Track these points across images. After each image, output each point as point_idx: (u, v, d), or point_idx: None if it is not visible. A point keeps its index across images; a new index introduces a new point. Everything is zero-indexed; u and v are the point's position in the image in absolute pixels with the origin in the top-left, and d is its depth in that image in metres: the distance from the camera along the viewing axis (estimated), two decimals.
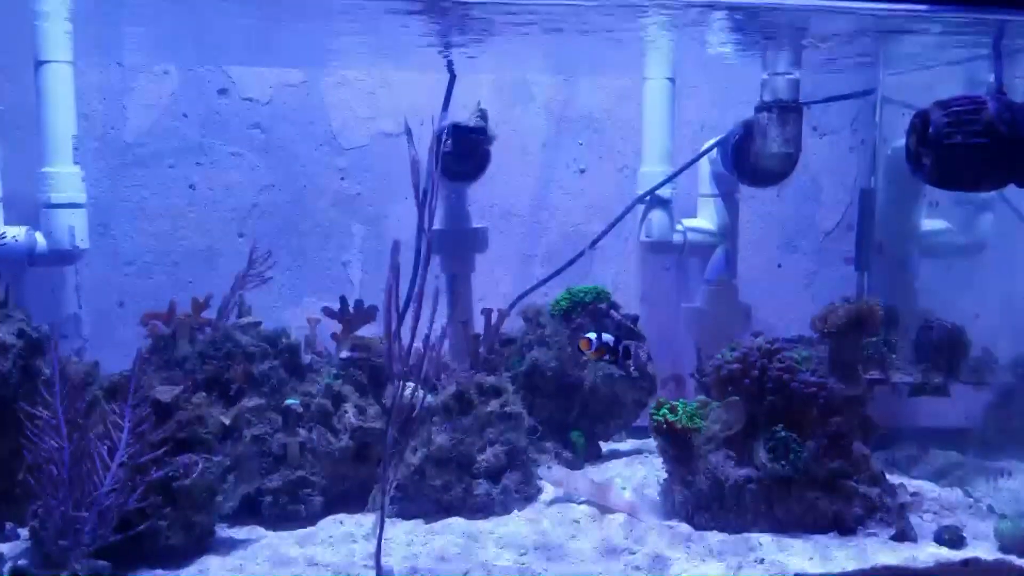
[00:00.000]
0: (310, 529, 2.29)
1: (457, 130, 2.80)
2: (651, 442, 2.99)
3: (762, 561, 2.00)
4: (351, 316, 2.84)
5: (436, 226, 3.36)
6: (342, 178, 3.69)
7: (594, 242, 3.32)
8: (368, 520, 2.35)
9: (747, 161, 2.94)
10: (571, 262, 3.31)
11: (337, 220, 3.70)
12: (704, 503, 2.20)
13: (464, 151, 2.89)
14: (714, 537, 2.14)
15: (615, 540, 2.11)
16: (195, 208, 3.59)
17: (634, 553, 2.05)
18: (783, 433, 2.13)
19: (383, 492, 1.91)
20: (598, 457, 2.77)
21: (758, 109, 2.89)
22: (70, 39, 3.04)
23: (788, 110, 2.79)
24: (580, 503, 2.32)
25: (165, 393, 2.12)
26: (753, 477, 2.15)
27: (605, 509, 2.27)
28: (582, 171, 3.74)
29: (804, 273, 3.82)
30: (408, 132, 1.91)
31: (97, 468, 1.93)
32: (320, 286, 3.68)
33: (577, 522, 2.20)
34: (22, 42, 3.10)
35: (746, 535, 2.14)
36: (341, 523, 2.33)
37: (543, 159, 3.72)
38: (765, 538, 2.12)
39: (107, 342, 3.40)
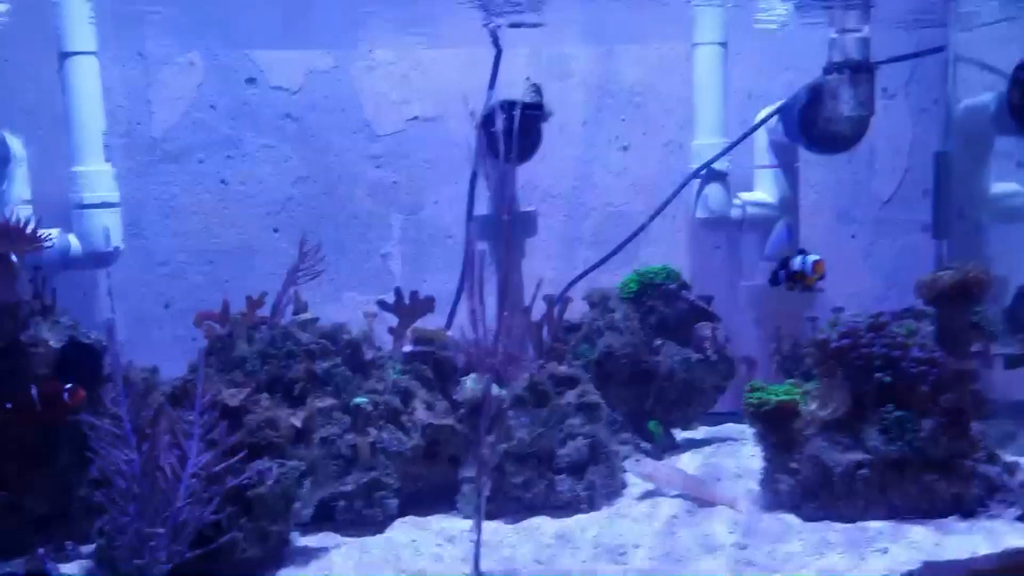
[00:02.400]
0: (388, 534, 2.16)
1: (512, 107, 2.65)
2: (726, 429, 2.88)
3: (886, 551, 1.87)
4: (408, 308, 2.70)
5: (483, 211, 3.22)
6: (377, 166, 3.56)
7: (652, 216, 3.17)
8: (445, 522, 2.23)
9: (815, 127, 2.80)
10: (630, 238, 3.17)
11: (374, 210, 3.57)
12: (811, 491, 2.06)
13: (518, 129, 2.74)
14: (827, 527, 2.01)
15: (720, 535, 1.98)
16: (228, 204, 3.46)
17: (744, 548, 1.92)
18: (898, 412, 2.00)
19: (479, 493, 1.78)
20: (674, 447, 2.62)
21: (827, 70, 2.74)
22: (94, 28, 2.89)
23: (860, 70, 2.64)
24: (673, 497, 2.18)
25: (232, 396, 1.98)
26: (864, 461, 2.02)
27: (702, 502, 2.13)
28: (625, 148, 3.60)
29: (862, 244, 3.68)
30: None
31: (169, 479, 1.79)
32: (360, 279, 3.55)
33: (675, 517, 2.07)
34: (43, 34, 2.96)
35: (861, 524, 2.01)
36: (418, 526, 2.20)
37: (584, 137, 3.58)
38: (882, 525, 1.99)
39: (144, 347, 3.27)
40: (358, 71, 3.48)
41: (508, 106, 2.72)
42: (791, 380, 2.22)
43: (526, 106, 2.59)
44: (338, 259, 3.53)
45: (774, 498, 2.14)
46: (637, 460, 2.24)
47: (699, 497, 2.15)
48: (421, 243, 3.64)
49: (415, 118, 3.55)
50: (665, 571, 1.86)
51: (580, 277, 3.17)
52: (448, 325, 3.01)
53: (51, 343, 2.07)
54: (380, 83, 3.49)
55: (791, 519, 2.07)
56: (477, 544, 1.79)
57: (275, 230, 3.51)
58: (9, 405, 1.91)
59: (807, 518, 2.07)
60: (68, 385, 1.93)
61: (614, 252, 3.18)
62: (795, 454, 2.09)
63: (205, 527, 1.85)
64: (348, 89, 3.48)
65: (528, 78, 2.92)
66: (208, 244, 3.45)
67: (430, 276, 3.50)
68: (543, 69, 3.46)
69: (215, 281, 3.47)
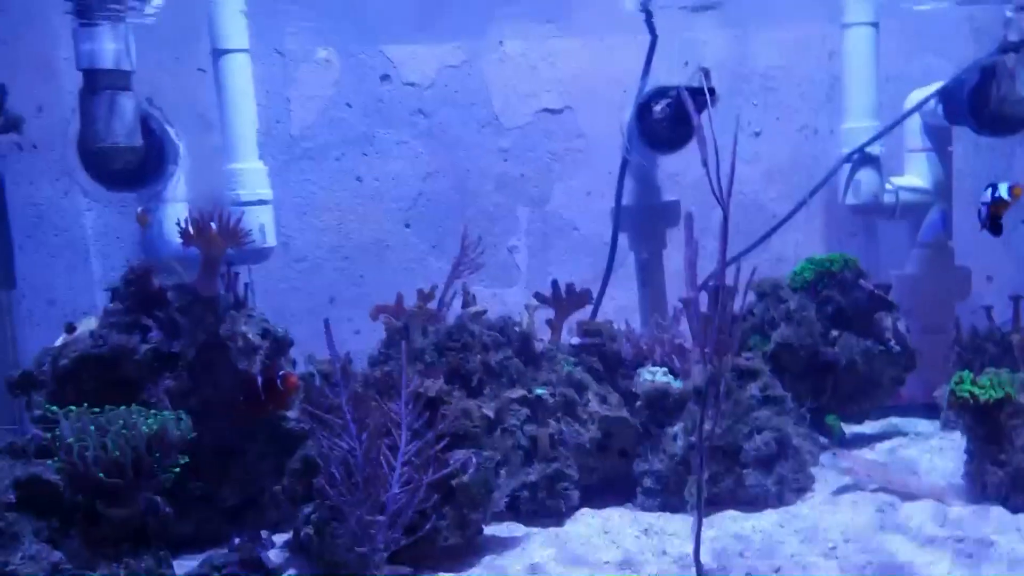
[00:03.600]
0: (574, 526, 2.15)
1: (680, 93, 2.61)
2: (892, 423, 2.78)
3: None
4: (565, 300, 2.68)
5: (625, 201, 3.18)
6: (505, 159, 3.56)
7: (805, 199, 3.09)
8: (626, 514, 2.21)
9: (987, 108, 2.70)
10: (781, 223, 3.10)
11: (501, 203, 3.58)
12: (1022, 483, 1.99)
13: (680, 117, 2.70)
14: None
15: (931, 529, 1.91)
16: (362, 200, 3.50)
17: (961, 540, 1.85)
18: None
19: (699, 487, 1.75)
20: (848, 443, 2.53)
21: (1003, 49, 2.64)
22: (247, 25, 2.94)
23: None
24: (872, 491, 2.11)
25: (430, 387, 1.99)
26: None
27: (905, 496, 2.06)
28: (757, 134, 3.53)
29: (1004, 231, 3.53)
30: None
31: (384, 468, 1.81)
32: (487, 273, 3.50)
33: (880, 511, 2.01)
34: (186, 35, 3.03)
35: None
36: (601, 518, 2.18)
37: (714, 123, 3.51)
38: None
39: None
40: (488, 64, 3.49)
41: (677, 92, 2.67)
42: (991, 369, 2.12)
43: (699, 91, 2.53)
44: None
45: (980, 490, 2.06)
46: (834, 454, 2.18)
47: (902, 491, 2.08)
48: (547, 236, 3.64)
49: (543, 110, 3.55)
50: (883, 565, 1.80)
51: (727, 264, 3.10)
52: (593, 316, 2.99)
53: (249, 335, 2.11)
54: (509, 76, 3.49)
55: (1000, 511, 2.00)
56: (697, 537, 1.76)
57: (406, 225, 3.54)
58: (243, 398, 1.96)
59: (1015, 510, 1.99)
60: (281, 372, 1.97)
61: (764, 238, 3.11)
62: (1004, 445, 2.01)
63: (413, 516, 1.86)
64: (478, 82, 3.49)
65: (686, 62, 2.88)
66: (343, 240, 3.50)
67: (555, 269, 3.48)
68: (675, 54, 3.41)
69: (351, 277, 3.51)
